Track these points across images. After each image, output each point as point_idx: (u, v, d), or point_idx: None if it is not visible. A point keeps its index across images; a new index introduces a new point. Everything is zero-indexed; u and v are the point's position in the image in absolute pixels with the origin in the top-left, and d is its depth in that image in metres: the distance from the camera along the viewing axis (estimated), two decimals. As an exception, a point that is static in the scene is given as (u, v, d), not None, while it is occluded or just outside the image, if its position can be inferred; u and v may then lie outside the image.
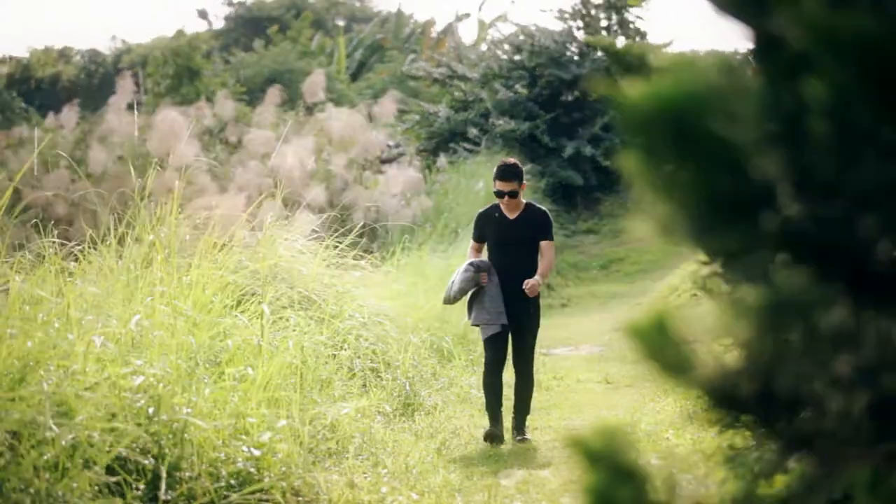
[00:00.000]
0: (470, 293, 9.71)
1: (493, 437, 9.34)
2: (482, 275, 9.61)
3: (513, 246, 9.67)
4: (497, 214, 9.79)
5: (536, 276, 9.51)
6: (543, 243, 9.67)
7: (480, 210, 10.14)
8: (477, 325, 9.80)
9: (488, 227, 9.85)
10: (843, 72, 2.19)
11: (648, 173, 2.35)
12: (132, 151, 18.08)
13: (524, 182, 9.80)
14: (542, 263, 9.65)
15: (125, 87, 19.43)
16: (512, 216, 9.74)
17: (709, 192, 2.32)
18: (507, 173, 9.64)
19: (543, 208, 9.93)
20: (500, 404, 9.59)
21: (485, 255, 10.03)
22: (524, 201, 9.84)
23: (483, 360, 9.95)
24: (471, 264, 9.69)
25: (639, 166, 2.35)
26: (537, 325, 9.75)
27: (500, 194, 9.67)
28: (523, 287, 9.46)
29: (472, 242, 10.08)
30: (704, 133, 2.27)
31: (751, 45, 2.48)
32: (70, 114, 23.94)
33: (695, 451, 6.30)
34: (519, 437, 9.44)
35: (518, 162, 9.97)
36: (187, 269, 8.84)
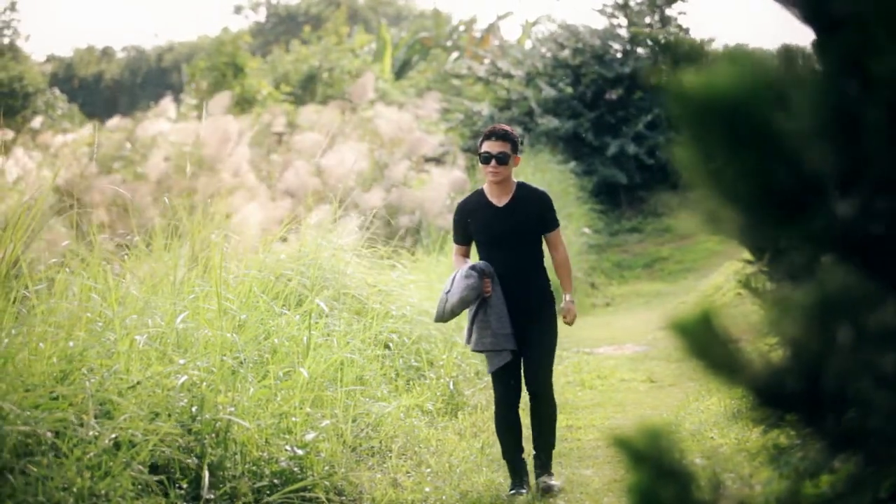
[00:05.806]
0: (473, 307, 7.56)
1: (519, 494, 7.51)
2: (486, 282, 7.46)
3: (508, 240, 7.52)
4: (481, 203, 7.65)
5: (567, 297, 7.71)
6: (550, 235, 7.64)
7: (459, 201, 7.91)
8: (479, 352, 7.72)
9: (472, 220, 7.65)
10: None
11: (700, 165, 2.32)
12: (184, 155, 18.17)
13: (518, 155, 7.61)
14: (559, 268, 7.74)
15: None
16: (501, 202, 7.59)
17: (760, 185, 2.30)
18: (497, 133, 7.51)
19: (541, 188, 7.75)
20: (521, 449, 7.65)
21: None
22: (515, 181, 7.67)
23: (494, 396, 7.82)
24: (472, 268, 7.43)
25: (690, 158, 2.33)
26: (554, 339, 7.63)
27: (486, 158, 7.48)
28: (564, 321, 7.71)
29: (454, 247, 7.86)
30: (759, 124, 2.24)
31: (806, 35, 2.45)
32: (123, 121, 24.19)
33: (739, 451, 6.25)
34: (544, 483, 7.49)
35: (512, 129, 7.61)
36: (233, 269, 8.88)
